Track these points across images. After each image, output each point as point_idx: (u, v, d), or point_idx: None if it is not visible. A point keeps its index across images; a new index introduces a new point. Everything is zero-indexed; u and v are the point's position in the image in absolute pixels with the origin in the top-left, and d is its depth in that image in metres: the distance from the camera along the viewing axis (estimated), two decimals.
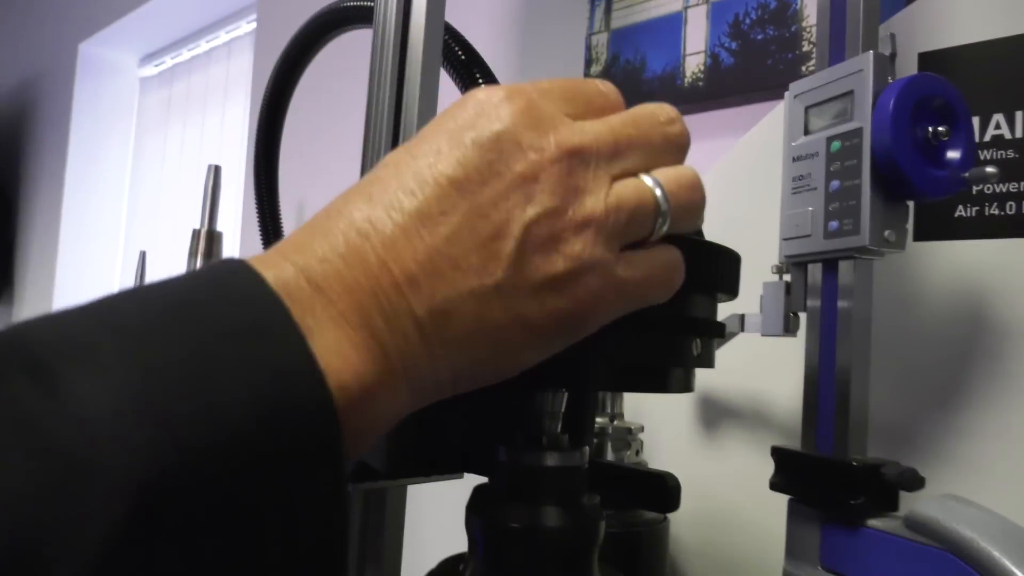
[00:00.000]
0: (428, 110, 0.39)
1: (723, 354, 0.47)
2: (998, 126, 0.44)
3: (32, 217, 2.11)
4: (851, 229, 0.39)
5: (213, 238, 1.01)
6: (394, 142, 0.40)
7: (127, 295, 0.20)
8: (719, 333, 0.32)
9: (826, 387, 0.40)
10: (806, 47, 0.63)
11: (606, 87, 0.26)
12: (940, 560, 0.33)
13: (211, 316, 0.19)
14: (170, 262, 1.58)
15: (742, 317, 0.47)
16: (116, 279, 1.98)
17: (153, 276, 0.95)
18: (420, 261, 0.21)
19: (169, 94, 1.88)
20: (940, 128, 0.38)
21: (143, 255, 1.08)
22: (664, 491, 0.34)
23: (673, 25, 0.73)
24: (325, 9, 0.50)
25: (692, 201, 0.25)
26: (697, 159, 0.42)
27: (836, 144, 0.40)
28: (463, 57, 0.45)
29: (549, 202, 0.22)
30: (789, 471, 0.41)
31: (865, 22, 0.40)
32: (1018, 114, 0.44)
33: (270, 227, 0.69)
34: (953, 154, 0.38)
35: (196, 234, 1.00)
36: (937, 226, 0.46)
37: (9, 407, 0.16)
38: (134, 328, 0.18)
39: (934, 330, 0.46)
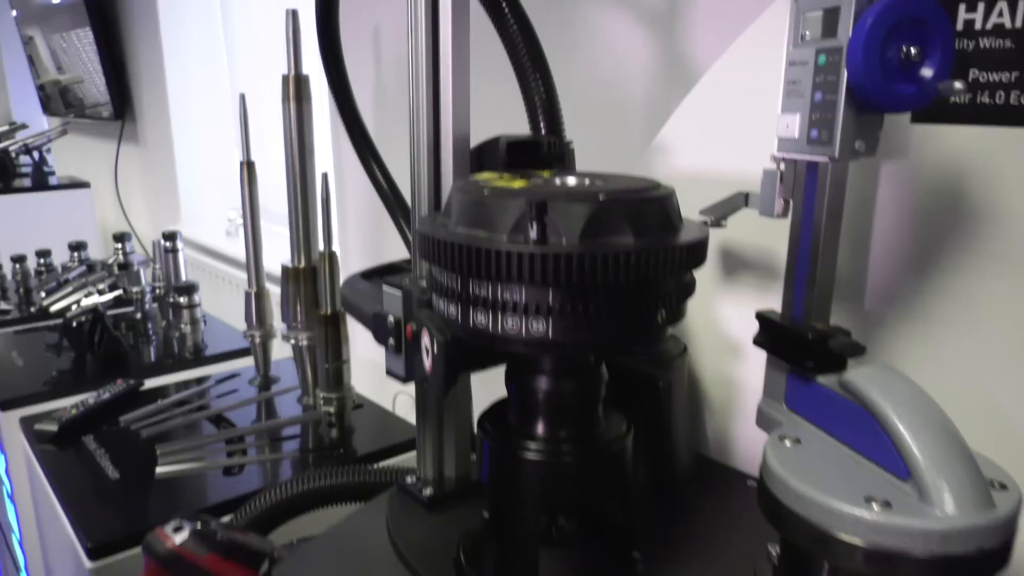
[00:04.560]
0: None
1: (740, 214, 0.55)
2: (1001, 14, 0.46)
3: (133, 34, 2.23)
4: (827, 140, 0.44)
5: (301, 81, 1.10)
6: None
7: None
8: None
9: (800, 266, 0.49)
10: None
11: None
12: (861, 416, 0.43)
13: None
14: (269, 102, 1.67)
15: (747, 196, 0.54)
16: (224, 82, 2.11)
17: (253, 114, 1.05)
18: None
19: None
20: (913, 50, 0.41)
21: (243, 97, 1.18)
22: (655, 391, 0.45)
23: None
24: None
25: None
26: None
27: (823, 58, 0.44)
28: None
29: None
30: (767, 333, 0.51)
31: None
32: (1021, 3, 0.45)
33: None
34: (926, 71, 0.42)
35: (285, 79, 1.09)
36: (933, 110, 0.50)
37: None
38: None
39: (919, 204, 0.51)
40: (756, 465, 0.45)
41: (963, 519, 0.38)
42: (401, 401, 1.31)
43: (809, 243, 0.48)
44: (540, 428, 0.46)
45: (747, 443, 0.65)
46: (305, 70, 1.11)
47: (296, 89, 1.10)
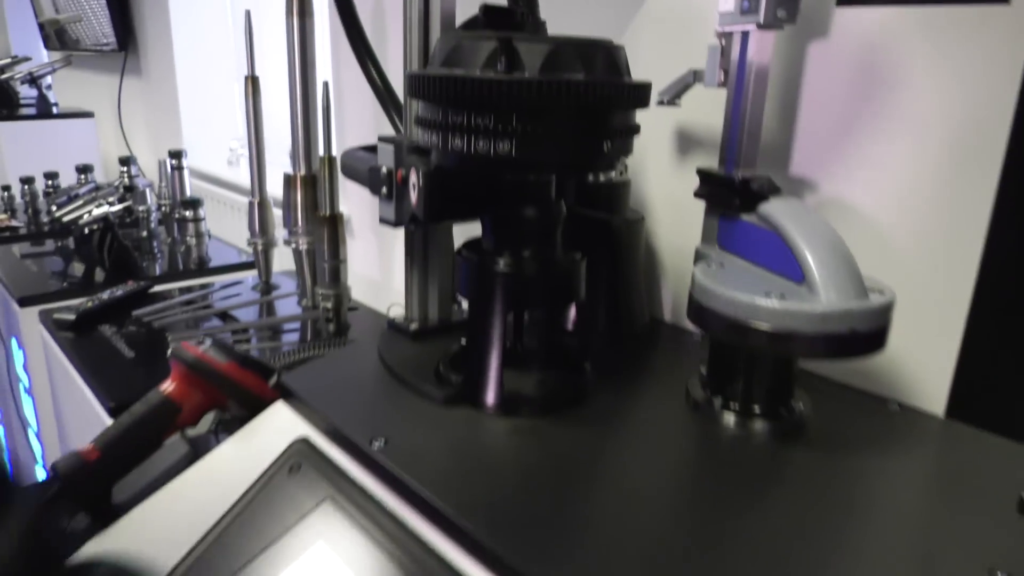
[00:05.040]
0: None
1: (695, 96, 0.63)
2: None
3: None
4: (755, 9, 0.52)
5: None
6: None
7: None
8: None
9: (733, 125, 0.57)
10: None
11: None
12: (772, 240, 0.52)
13: None
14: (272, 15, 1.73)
15: (695, 72, 0.62)
16: (226, 11, 2.16)
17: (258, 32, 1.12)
18: None
19: None
20: None
21: (248, 13, 1.25)
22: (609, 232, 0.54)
23: None
24: None
25: None
26: None
27: None
28: None
29: None
30: (705, 184, 0.59)
31: None
32: None
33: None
34: None
35: None
36: None
37: None
38: None
39: (840, 79, 0.60)
40: None
41: (839, 304, 0.47)
42: (395, 312, 1.39)
43: (740, 103, 0.57)
44: (508, 249, 0.54)
45: None
46: None
47: (300, 4, 1.17)
